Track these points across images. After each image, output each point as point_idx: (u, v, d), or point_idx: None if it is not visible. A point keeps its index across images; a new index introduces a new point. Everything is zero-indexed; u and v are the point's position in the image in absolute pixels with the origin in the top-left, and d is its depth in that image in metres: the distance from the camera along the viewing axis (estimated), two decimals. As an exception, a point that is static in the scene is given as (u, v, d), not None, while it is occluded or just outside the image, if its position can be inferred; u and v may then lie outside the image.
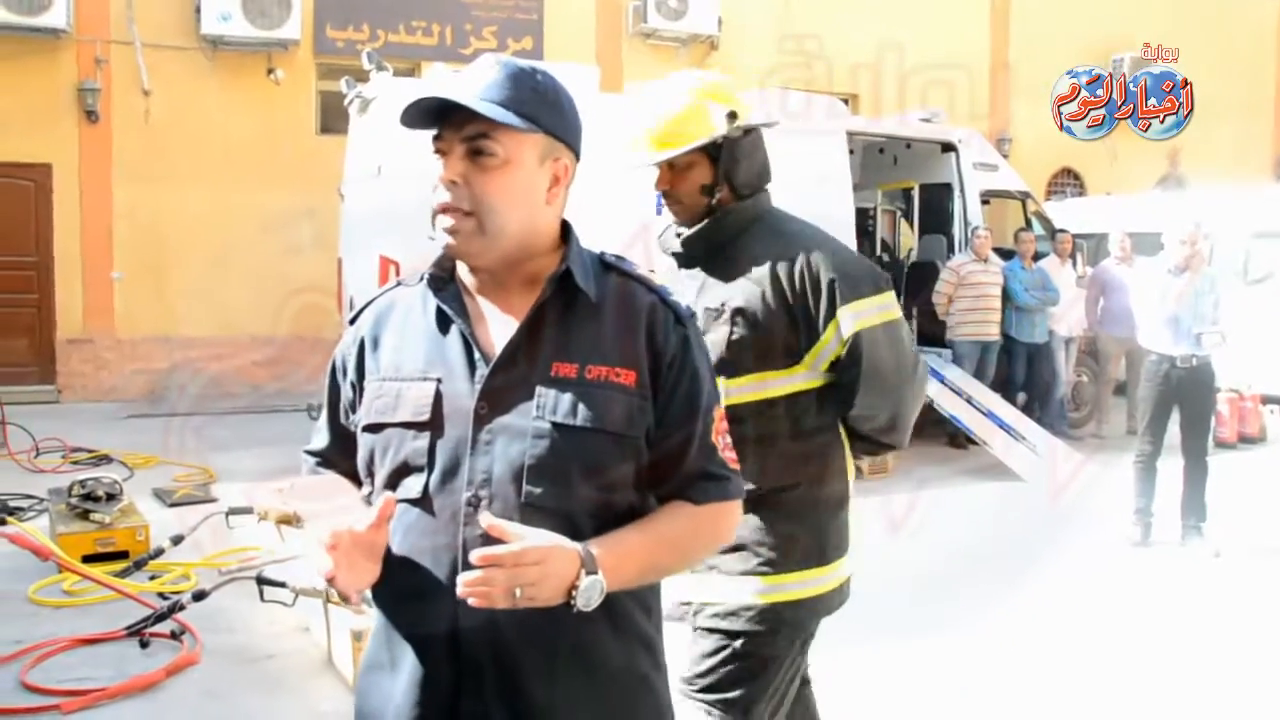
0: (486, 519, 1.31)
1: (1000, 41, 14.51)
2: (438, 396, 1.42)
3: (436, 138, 1.44)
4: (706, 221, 2.37)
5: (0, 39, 10.46)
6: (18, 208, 10.86)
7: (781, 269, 2.27)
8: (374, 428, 1.46)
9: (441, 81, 1.45)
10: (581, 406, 1.39)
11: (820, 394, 2.31)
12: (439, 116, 1.42)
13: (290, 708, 3.69)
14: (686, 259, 2.42)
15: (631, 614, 1.46)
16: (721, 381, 2.22)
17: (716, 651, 2.29)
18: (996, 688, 4.03)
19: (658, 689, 1.51)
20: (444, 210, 1.42)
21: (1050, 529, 6.34)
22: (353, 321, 1.57)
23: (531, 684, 1.38)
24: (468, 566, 1.31)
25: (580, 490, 1.39)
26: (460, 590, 1.27)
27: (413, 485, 1.41)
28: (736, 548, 2.28)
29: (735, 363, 2.27)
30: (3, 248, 10.82)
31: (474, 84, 1.41)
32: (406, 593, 1.42)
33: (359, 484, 1.55)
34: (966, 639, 4.45)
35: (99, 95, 10.83)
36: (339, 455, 1.57)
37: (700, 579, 2.30)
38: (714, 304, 2.30)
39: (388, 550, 1.39)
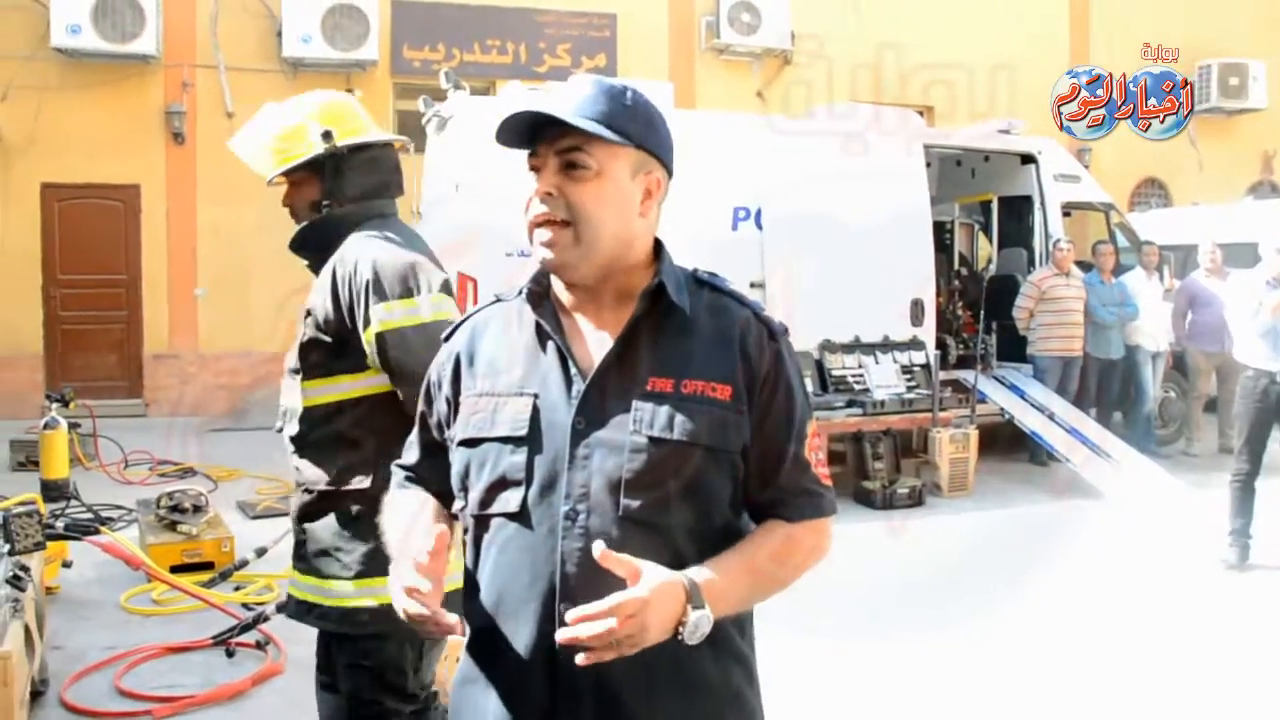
0: (599, 549, 1.28)
1: (1080, 52, 14.20)
2: (535, 411, 1.42)
3: (531, 154, 1.45)
4: (301, 226, 2.46)
5: (95, 66, 10.84)
6: (109, 227, 11.23)
7: (339, 272, 2.31)
8: (470, 442, 1.47)
9: (533, 98, 1.45)
10: (678, 420, 1.38)
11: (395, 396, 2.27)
12: (532, 133, 1.44)
13: (372, 720, 3.70)
14: (311, 265, 2.49)
15: (729, 633, 1.44)
16: (299, 382, 2.30)
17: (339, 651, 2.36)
18: (1087, 712, 3.90)
19: (752, 705, 1.50)
20: (540, 223, 1.43)
21: (1138, 550, 6.16)
22: (448, 338, 1.59)
23: (630, 703, 1.37)
24: (565, 581, 1.34)
25: (677, 505, 1.39)
26: (560, 640, 1.27)
27: (510, 499, 1.41)
28: (323, 552, 2.32)
29: (307, 363, 2.33)
30: (94, 266, 11.19)
31: (568, 100, 1.42)
32: (503, 608, 1.41)
33: (449, 501, 1.56)
34: (1048, 663, 4.33)
35: (185, 118, 11.16)
36: (429, 471, 1.60)
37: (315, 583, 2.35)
38: (306, 307, 2.37)
39: (483, 564, 1.41)
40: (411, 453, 1.65)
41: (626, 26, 12.46)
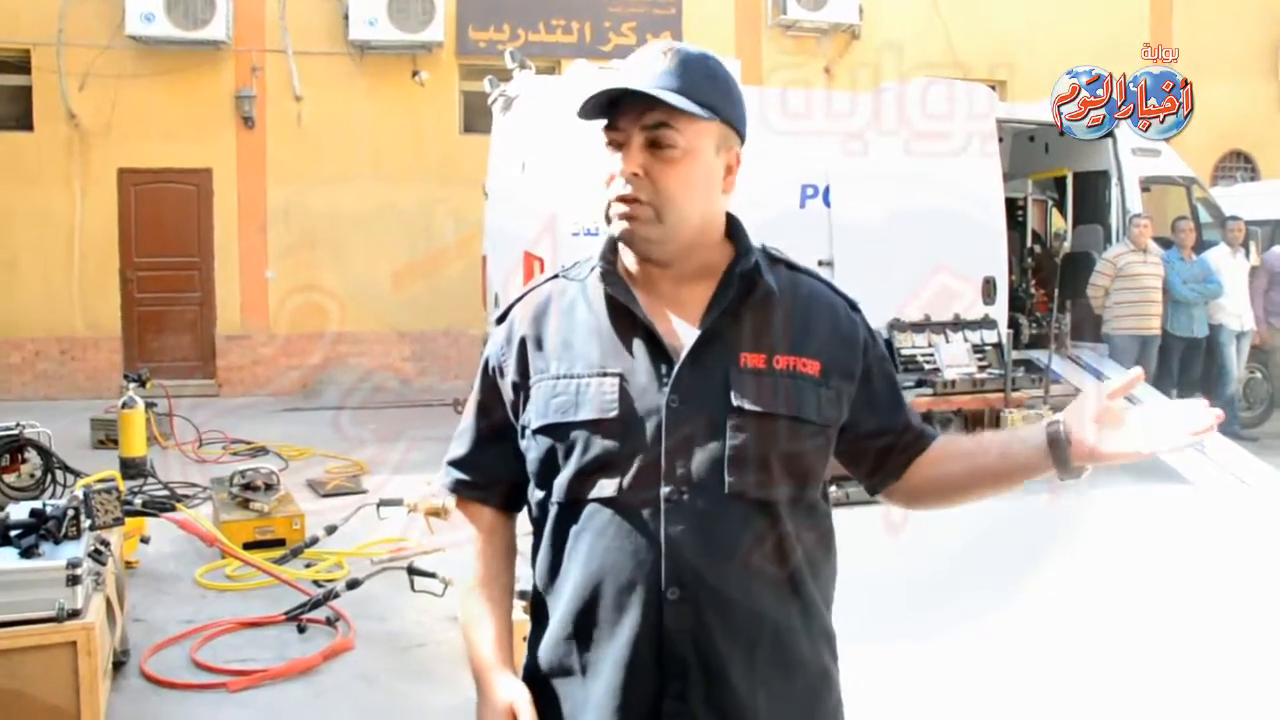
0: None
1: (1162, 19, 13.75)
2: (623, 392, 1.37)
3: (610, 128, 1.39)
4: None
5: (168, 53, 11.04)
6: (182, 211, 11.45)
7: None
8: (552, 428, 1.40)
9: (614, 76, 1.39)
10: (775, 395, 1.38)
11: None
12: (609, 104, 1.39)
13: (442, 695, 3.74)
14: None
15: (818, 605, 1.44)
16: None
17: None
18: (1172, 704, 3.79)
19: (836, 684, 1.48)
20: (623, 200, 1.38)
21: (1223, 536, 5.97)
22: (500, 321, 1.52)
23: (735, 680, 1.35)
24: (672, 563, 1.32)
25: (780, 479, 1.37)
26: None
27: (606, 484, 1.36)
28: None
29: None
30: (169, 249, 11.43)
31: (650, 72, 1.36)
32: (603, 595, 1.37)
33: (509, 502, 1.52)
34: (1131, 651, 4.21)
35: (254, 102, 11.31)
36: (488, 462, 1.52)
37: None
38: None
39: (572, 552, 1.38)
40: (462, 443, 1.54)
41: (692, 3, 12.34)
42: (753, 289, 1.41)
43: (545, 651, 1.44)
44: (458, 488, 1.55)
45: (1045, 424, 1.38)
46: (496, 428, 1.50)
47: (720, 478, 1.34)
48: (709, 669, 1.34)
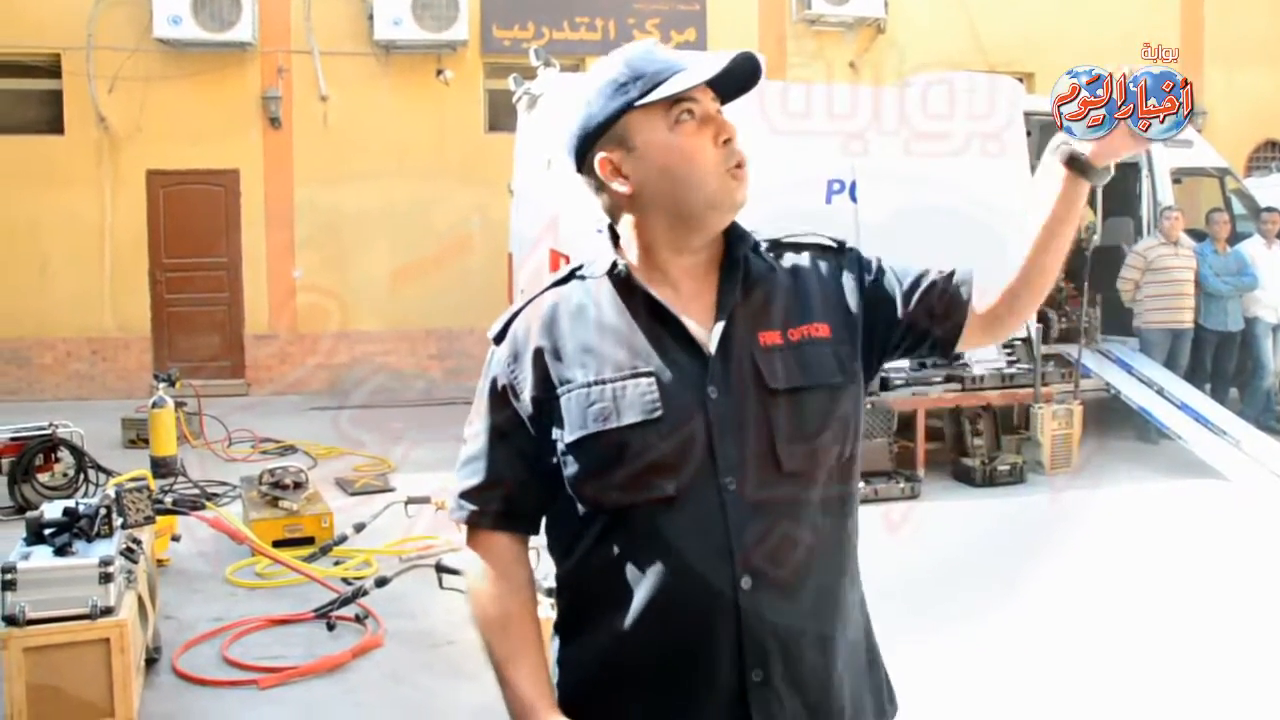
0: None
1: (1193, 8, 13.55)
2: (661, 389, 1.35)
3: (687, 99, 1.37)
4: None
5: (195, 56, 11.13)
6: (210, 211, 11.53)
7: None
8: (595, 437, 1.35)
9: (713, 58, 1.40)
10: (800, 367, 1.39)
11: None
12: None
13: (471, 693, 3.74)
14: None
15: (858, 574, 1.48)
16: None
17: None
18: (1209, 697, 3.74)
19: (882, 665, 1.52)
20: (742, 164, 1.40)
21: (1260, 531, 5.88)
22: (499, 339, 1.46)
23: (814, 665, 1.37)
24: (745, 551, 1.32)
25: (828, 447, 1.39)
26: None
27: (664, 484, 1.33)
28: None
29: None
30: (198, 249, 11.51)
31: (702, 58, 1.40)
32: (676, 595, 1.34)
33: (530, 527, 1.46)
34: (1165, 646, 4.15)
35: (280, 102, 11.36)
36: (510, 489, 1.43)
37: None
38: None
39: (631, 558, 1.35)
40: (475, 472, 1.44)
41: (716, -1, 12.31)
42: (751, 269, 1.43)
43: (598, 661, 1.40)
44: (475, 519, 1.44)
45: (1052, 151, 1.39)
46: (514, 451, 1.42)
47: (775, 459, 1.35)
48: (788, 652, 1.34)
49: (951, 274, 1.47)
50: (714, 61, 1.36)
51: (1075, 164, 1.37)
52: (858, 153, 7.32)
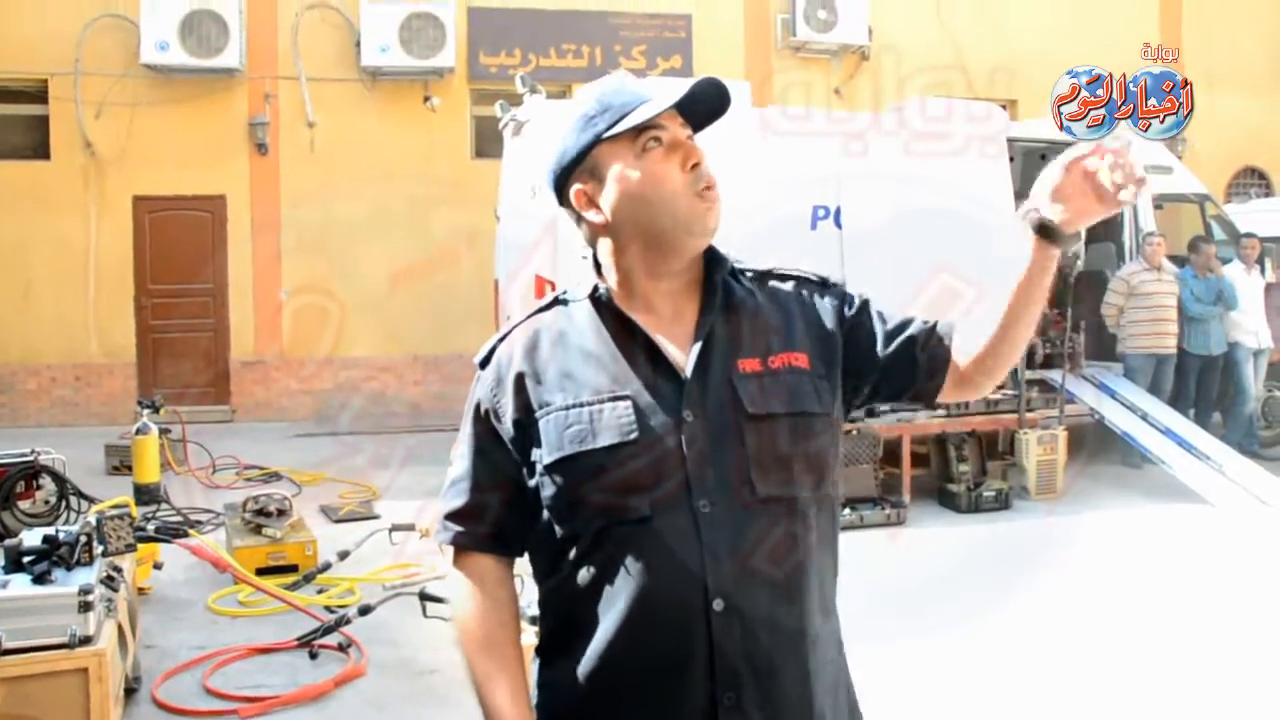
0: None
1: (1172, 36, 13.73)
2: (638, 412, 1.37)
3: (654, 126, 1.40)
4: None
5: (182, 81, 11.15)
6: (197, 238, 11.52)
7: None
8: (571, 459, 1.37)
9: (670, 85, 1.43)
10: (778, 395, 1.41)
11: None
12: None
13: (453, 722, 3.71)
14: None
15: (833, 603, 1.46)
16: None
17: None
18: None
19: (851, 687, 1.50)
20: (711, 186, 1.42)
21: (1243, 556, 5.90)
22: (484, 364, 1.48)
23: (787, 685, 1.37)
24: (718, 574, 1.32)
25: (800, 474, 1.39)
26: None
27: (638, 506, 1.35)
28: None
29: None
30: (184, 276, 11.49)
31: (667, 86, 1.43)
32: (648, 614, 1.35)
33: (513, 549, 1.47)
34: (1148, 670, 4.15)
35: (268, 128, 11.39)
36: (493, 510, 1.46)
37: None
38: None
39: (606, 578, 1.36)
40: (459, 494, 1.47)
41: (702, 26, 12.40)
42: (731, 295, 1.45)
43: (584, 681, 1.39)
44: (461, 540, 1.47)
45: (1022, 217, 1.40)
46: (498, 473, 1.45)
47: (749, 483, 1.36)
48: (759, 675, 1.34)
49: (934, 326, 1.51)
50: (676, 89, 1.40)
51: (1045, 231, 1.39)
52: (843, 179, 7.35)
